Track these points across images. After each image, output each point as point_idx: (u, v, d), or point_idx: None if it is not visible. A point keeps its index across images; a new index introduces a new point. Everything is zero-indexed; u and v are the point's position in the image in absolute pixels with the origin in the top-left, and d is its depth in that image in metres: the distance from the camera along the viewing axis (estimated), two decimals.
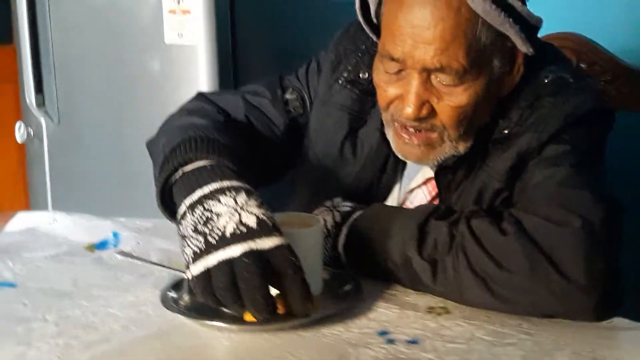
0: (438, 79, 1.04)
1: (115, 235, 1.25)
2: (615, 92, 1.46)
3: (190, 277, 0.88)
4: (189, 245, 0.88)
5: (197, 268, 0.87)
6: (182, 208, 0.92)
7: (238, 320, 0.89)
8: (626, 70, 1.49)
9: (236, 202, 0.89)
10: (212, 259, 0.86)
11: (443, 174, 1.14)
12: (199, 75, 1.83)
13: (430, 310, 0.96)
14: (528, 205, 1.00)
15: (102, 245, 1.22)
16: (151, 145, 1.18)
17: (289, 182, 1.30)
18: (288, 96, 1.27)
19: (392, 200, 1.20)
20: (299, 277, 0.87)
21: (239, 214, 0.88)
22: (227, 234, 0.87)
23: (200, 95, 1.27)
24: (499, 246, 0.94)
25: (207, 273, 0.86)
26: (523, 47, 1.06)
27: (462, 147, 1.09)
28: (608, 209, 0.96)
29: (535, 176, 1.05)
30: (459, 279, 0.95)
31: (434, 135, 1.08)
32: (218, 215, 0.88)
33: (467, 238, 0.96)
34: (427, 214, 1.01)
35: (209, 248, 0.87)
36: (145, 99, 1.95)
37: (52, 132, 2.18)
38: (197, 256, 0.87)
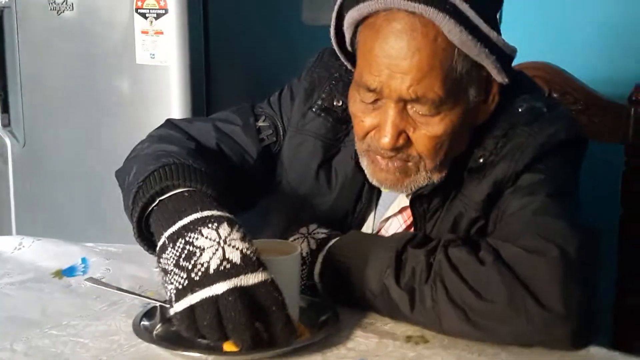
0: (414, 109, 1.04)
1: (83, 261, 1.22)
2: (587, 122, 1.48)
3: (173, 314, 0.86)
4: (171, 281, 0.86)
5: (180, 305, 0.85)
6: (162, 240, 0.90)
7: (215, 349, 0.87)
8: (598, 100, 1.51)
9: (219, 235, 0.87)
10: (195, 297, 0.84)
11: (419, 202, 1.13)
12: (171, 95, 1.81)
13: (409, 339, 0.95)
14: (505, 235, 1.00)
15: (70, 271, 1.19)
16: (120, 174, 1.15)
17: (261, 210, 1.28)
18: (260, 124, 1.25)
19: (366, 229, 1.20)
20: (283, 312, 0.86)
21: (223, 249, 0.86)
22: (211, 271, 0.85)
23: (169, 123, 1.25)
24: (478, 275, 0.93)
25: (191, 310, 0.84)
26: (498, 77, 1.07)
27: (436, 177, 1.10)
28: (584, 238, 0.96)
29: (512, 205, 1.05)
30: (437, 309, 0.94)
31: (410, 164, 1.08)
32: (201, 249, 0.86)
33: (445, 267, 0.95)
34: (405, 242, 1.01)
35: (193, 285, 0.85)
36: (115, 120, 1.92)
37: (17, 154, 2.13)
38: (180, 293, 0.85)
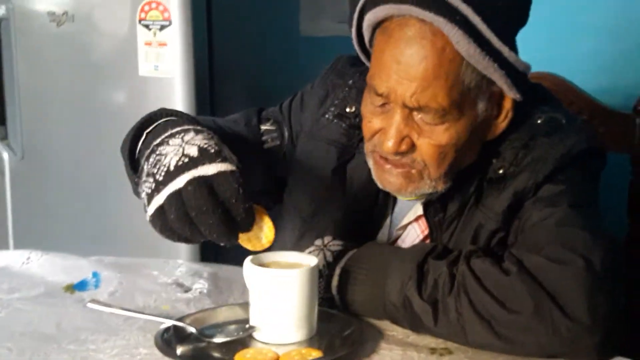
0: (420, 116, 1.04)
1: (94, 275, 1.20)
2: None
3: (148, 219, 0.88)
4: (143, 189, 0.89)
5: (151, 208, 0.87)
6: (142, 162, 0.93)
7: None
8: (602, 109, 1.51)
9: (183, 139, 0.90)
10: (162, 196, 0.86)
11: (433, 211, 1.13)
12: (175, 108, 1.79)
13: (433, 351, 0.94)
14: (528, 245, 0.99)
15: (81, 285, 1.17)
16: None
17: (274, 216, 1.26)
18: (267, 127, 1.25)
19: (382, 236, 1.19)
20: (243, 204, 0.86)
21: (183, 148, 0.88)
22: (172, 168, 0.87)
23: None
24: (502, 286, 0.93)
25: (161, 210, 0.86)
26: (510, 93, 1.06)
27: (440, 187, 1.09)
28: (607, 248, 0.96)
29: (533, 216, 1.05)
30: (462, 321, 0.93)
31: (414, 170, 1.07)
32: (165, 155, 0.89)
33: (469, 278, 0.94)
34: (425, 253, 1.00)
35: (158, 186, 0.87)
36: (116, 133, 1.87)
37: (14, 167, 2.10)
38: (149, 197, 0.88)
